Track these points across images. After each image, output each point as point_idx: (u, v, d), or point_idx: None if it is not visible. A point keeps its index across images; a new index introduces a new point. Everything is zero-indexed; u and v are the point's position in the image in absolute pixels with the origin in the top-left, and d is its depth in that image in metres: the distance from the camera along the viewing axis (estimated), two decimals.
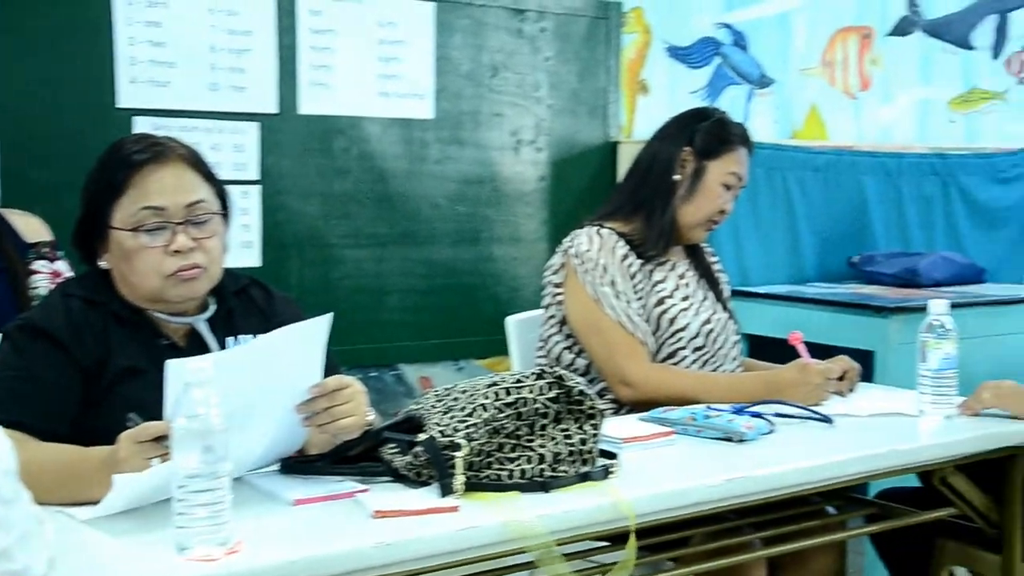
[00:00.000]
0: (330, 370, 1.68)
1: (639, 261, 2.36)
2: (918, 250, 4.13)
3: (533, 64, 3.67)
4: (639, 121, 3.96)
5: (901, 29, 4.53)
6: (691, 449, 1.91)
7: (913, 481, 2.23)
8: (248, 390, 1.51)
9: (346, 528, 1.46)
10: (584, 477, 1.67)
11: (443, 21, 3.47)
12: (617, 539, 1.65)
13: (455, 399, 1.69)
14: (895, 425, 2.10)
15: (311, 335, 1.61)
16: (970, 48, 4.76)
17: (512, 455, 1.64)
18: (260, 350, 1.62)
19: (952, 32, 4.70)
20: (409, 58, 3.43)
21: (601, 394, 2.31)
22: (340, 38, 3.30)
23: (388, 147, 3.42)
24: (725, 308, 2.49)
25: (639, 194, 2.41)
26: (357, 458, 1.69)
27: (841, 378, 2.31)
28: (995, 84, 4.85)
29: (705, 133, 2.40)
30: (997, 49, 4.85)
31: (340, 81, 3.31)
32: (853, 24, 4.40)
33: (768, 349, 2.65)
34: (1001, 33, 4.84)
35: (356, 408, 1.67)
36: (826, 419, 2.08)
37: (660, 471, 1.77)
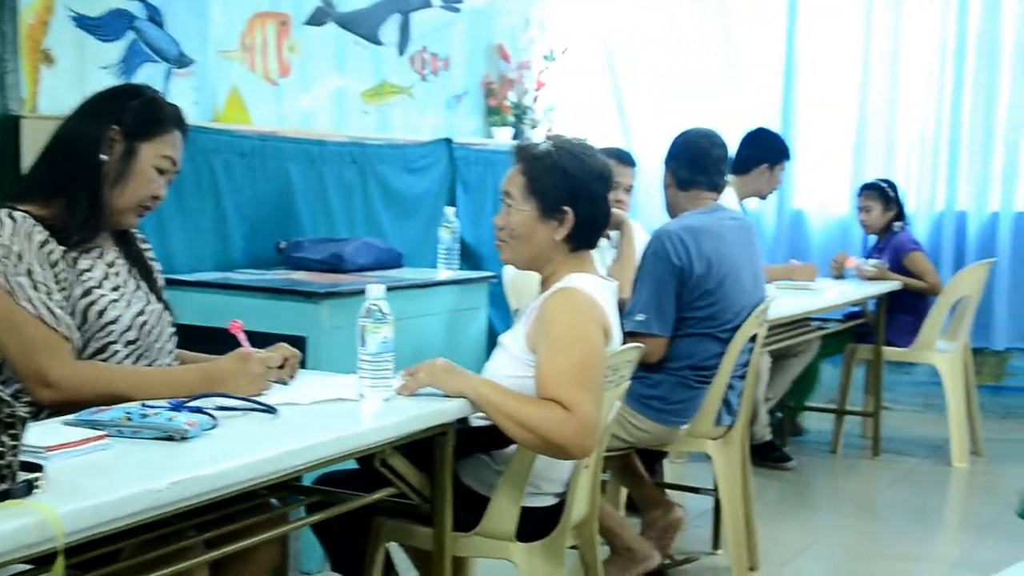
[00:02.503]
0: None
1: (61, 248, 2.12)
2: (342, 236, 4.24)
3: None
4: (43, 95, 3.60)
5: (316, 19, 4.60)
6: (129, 453, 1.74)
7: (351, 463, 2.26)
8: None
9: None
10: (3, 496, 1.45)
11: None
12: (49, 561, 1.45)
13: None
14: (338, 411, 2.10)
15: None
16: (379, 43, 4.98)
17: None
18: None
19: (362, 26, 4.88)
20: None
21: (17, 397, 2.04)
22: None
23: None
24: (160, 298, 2.33)
25: (59, 175, 2.17)
26: None
27: (282, 366, 2.27)
28: (402, 79, 5.13)
29: (136, 112, 2.21)
30: (402, 47, 5.12)
31: None
32: (270, 10, 4.38)
33: (199, 339, 2.53)
34: (404, 32, 5.12)
35: None
36: (270, 409, 2.02)
37: (94, 480, 1.59)
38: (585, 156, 2.41)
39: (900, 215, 5.23)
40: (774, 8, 6.13)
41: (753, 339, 3.33)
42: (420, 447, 2.20)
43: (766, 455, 4.72)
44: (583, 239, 2.41)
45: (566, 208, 2.37)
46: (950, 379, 4.93)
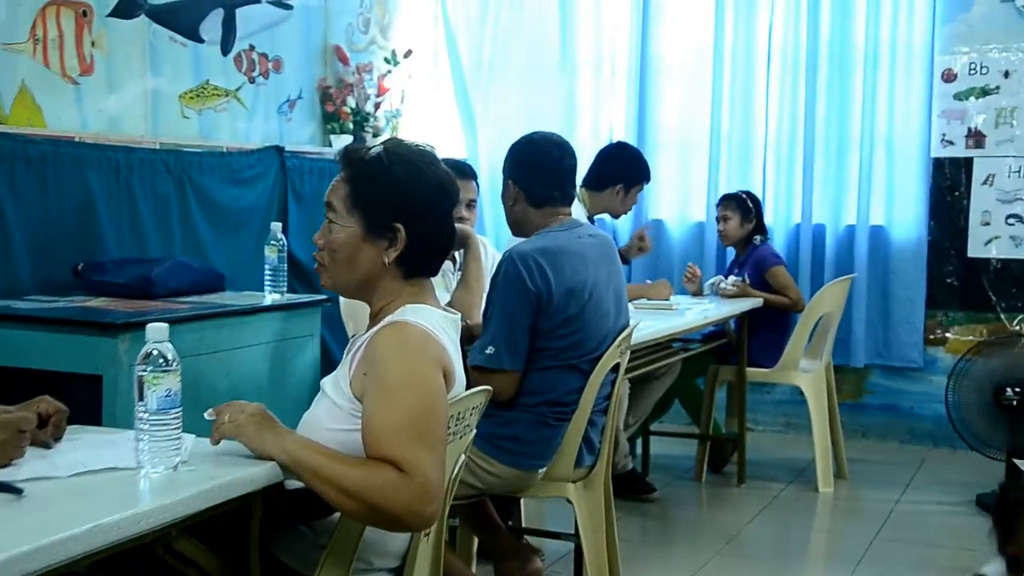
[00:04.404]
0: None
1: None
2: (155, 255, 3.74)
3: None
4: None
5: (123, 11, 4.06)
6: None
7: None
8: None
9: None
10: None
11: None
12: None
13: None
14: (106, 486, 1.65)
15: None
16: (200, 41, 4.48)
17: None
18: None
19: (180, 22, 4.37)
20: None
21: None
22: None
23: None
24: None
25: None
26: None
27: (44, 424, 1.82)
28: (228, 81, 4.63)
29: None
30: (226, 45, 4.63)
31: None
32: None
33: None
34: (229, 28, 4.62)
35: None
36: (13, 489, 1.56)
37: None
38: (423, 164, 2.01)
39: (760, 228, 5.02)
40: (626, 9, 5.89)
41: (615, 369, 3.00)
42: (221, 519, 1.77)
43: (628, 486, 4.42)
44: (419, 264, 2.01)
45: (397, 225, 1.97)
46: (814, 400, 4.72)
